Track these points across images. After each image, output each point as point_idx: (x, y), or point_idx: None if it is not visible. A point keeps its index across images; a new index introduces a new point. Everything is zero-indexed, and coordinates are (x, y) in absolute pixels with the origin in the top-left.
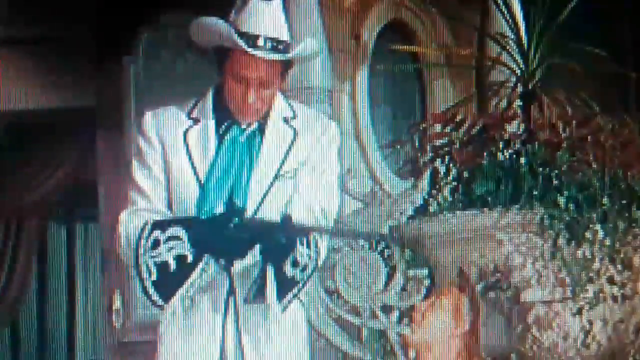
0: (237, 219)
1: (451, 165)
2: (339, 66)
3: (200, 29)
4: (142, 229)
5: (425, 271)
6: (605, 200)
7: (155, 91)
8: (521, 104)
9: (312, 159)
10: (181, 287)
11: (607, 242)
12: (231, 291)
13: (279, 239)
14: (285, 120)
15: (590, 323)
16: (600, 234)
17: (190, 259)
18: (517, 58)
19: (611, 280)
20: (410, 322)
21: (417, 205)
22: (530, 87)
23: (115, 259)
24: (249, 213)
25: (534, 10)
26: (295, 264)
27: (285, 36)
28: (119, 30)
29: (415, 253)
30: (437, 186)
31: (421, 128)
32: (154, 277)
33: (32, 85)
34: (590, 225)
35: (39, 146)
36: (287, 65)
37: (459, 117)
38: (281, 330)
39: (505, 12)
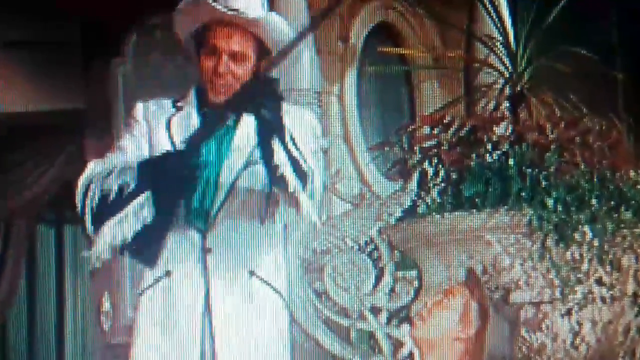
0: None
1: (440, 166)
2: (327, 68)
3: (181, 14)
4: (103, 163)
5: (414, 272)
6: (593, 201)
7: (143, 93)
8: (509, 105)
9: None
10: (114, 217)
11: (596, 243)
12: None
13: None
14: None
15: (579, 324)
16: (589, 235)
17: (131, 187)
18: (504, 60)
19: (600, 282)
20: (418, 318)
21: (405, 207)
22: (518, 89)
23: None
24: (220, 198)
25: (522, 12)
26: (294, 142)
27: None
28: (107, 32)
29: (404, 254)
30: (426, 188)
31: (409, 130)
32: (95, 204)
33: (21, 88)
34: (579, 227)
35: (28, 149)
36: (261, 45)
37: (447, 119)
38: (260, 322)
39: (493, 14)
